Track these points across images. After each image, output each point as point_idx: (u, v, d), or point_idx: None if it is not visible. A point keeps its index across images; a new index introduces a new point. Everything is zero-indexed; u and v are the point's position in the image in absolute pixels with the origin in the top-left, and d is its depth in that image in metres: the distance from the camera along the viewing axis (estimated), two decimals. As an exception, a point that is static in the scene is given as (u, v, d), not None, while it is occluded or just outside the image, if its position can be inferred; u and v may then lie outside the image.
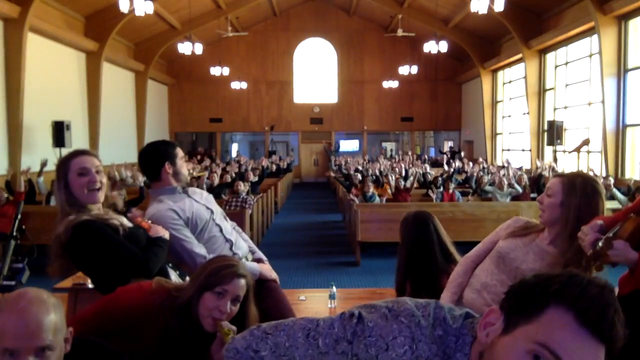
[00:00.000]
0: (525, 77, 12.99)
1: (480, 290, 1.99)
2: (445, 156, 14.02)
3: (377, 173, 10.27)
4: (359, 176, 9.48)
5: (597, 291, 0.82)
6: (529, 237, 1.99)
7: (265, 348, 1.06)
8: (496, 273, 1.98)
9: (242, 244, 2.46)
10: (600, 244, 1.61)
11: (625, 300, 1.67)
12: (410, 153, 17.20)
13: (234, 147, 22.99)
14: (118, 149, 13.10)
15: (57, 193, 1.99)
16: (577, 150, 9.07)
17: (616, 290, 1.79)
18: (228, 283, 1.63)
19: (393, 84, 17.38)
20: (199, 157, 16.81)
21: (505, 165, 10.21)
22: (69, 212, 1.94)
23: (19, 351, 1.15)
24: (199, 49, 13.16)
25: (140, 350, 1.55)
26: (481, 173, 9.87)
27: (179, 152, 2.44)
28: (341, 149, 20.07)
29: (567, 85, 11.96)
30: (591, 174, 4.95)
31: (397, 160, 14.47)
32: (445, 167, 11.16)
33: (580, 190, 1.87)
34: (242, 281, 1.66)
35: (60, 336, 1.21)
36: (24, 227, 2.41)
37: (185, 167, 2.44)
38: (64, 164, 2.00)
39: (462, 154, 16.50)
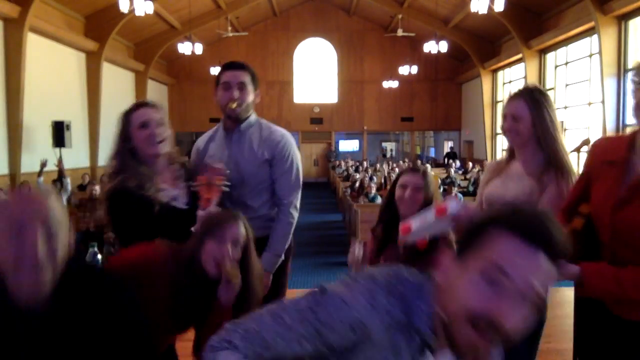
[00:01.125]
0: (525, 77, 13.00)
1: None
2: (445, 159, 14.04)
3: (382, 180, 10.20)
4: (357, 175, 9.49)
5: (530, 208, 0.97)
6: (504, 171, 2.08)
7: (236, 336, 1.07)
8: None
9: None
10: None
11: (582, 303, 1.65)
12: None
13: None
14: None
15: (114, 146, 1.98)
16: (577, 150, 9.05)
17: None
18: (226, 228, 1.69)
19: (393, 84, 17.38)
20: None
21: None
22: (122, 168, 1.92)
23: (26, 224, 1.14)
24: (199, 49, 13.16)
25: (149, 304, 1.59)
26: (481, 173, 9.88)
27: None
28: (341, 149, 20.09)
29: (567, 85, 11.96)
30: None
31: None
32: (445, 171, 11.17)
33: (545, 102, 1.95)
34: (240, 225, 1.72)
35: (63, 228, 1.22)
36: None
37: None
38: (126, 117, 1.99)
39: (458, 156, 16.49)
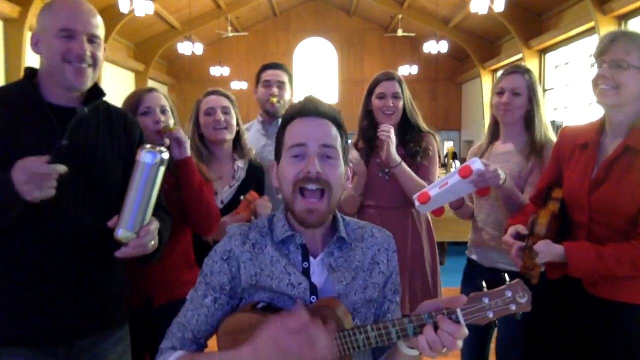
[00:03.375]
0: (525, 77, 12.98)
1: (481, 228, 2.11)
2: (445, 158, 14.08)
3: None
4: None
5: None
6: (486, 153, 2.14)
7: (163, 342, 1.21)
8: (484, 205, 2.10)
9: None
10: (523, 259, 1.59)
11: (556, 285, 1.68)
12: None
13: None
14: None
15: (189, 130, 2.16)
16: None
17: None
18: (146, 99, 1.79)
19: (393, 84, 17.32)
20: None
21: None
22: (195, 150, 2.07)
23: (76, 32, 1.35)
24: (199, 49, 13.15)
25: None
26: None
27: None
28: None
29: (567, 85, 11.96)
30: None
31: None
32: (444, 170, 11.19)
33: (536, 82, 2.04)
34: (157, 94, 1.83)
35: (103, 42, 1.44)
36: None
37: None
38: (197, 104, 2.17)
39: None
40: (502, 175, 1.82)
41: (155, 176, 1.23)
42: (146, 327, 1.72)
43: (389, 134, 2.16)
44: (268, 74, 2.50)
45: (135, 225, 1.24)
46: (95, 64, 1.41)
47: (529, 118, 2.02)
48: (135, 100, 1.81)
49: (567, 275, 1.57)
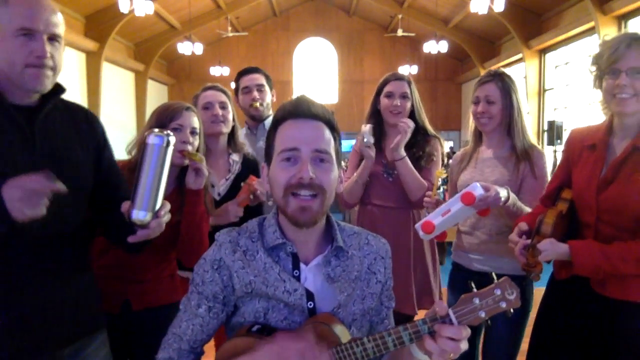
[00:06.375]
0: (525, 77, 12.99)
1: (470, 233, 2.09)
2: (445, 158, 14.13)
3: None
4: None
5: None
6: (472, 160, 2.14)
7: (159, 353, 1.20)
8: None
9: None
10: (527, 257, 1.59)
11: (563, 284, 1.67)
12: None
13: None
14: (118, 149, 13.04)
15: None
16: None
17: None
18: (180, 117, 1.74)
19: (393, 84, 17.33)
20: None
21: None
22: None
23: (36, 31, 1.24)
24: (199, 49, 13.16)
25: None
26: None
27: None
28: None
29: (567, 85, 11.96)
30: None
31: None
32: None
33: (514, 88, 2.01)
34: (193, 114, 1.78)
35: (63, 42, 1.33)
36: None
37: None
38: (195, 99, 2.18)
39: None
40: (503, 196, 1.81)
41: (164, 157, 1.24)
42: (125, 331, 1.72)
43: (409, 128, 2.19)
44: (246, 80, 2.53)
45: (150, 205, 1.24)
46: (55, 67, 1.30)
47: (508, 125, 2.02)
48: (170, 114, 1.76)
49: (575, 275, 1.57)
